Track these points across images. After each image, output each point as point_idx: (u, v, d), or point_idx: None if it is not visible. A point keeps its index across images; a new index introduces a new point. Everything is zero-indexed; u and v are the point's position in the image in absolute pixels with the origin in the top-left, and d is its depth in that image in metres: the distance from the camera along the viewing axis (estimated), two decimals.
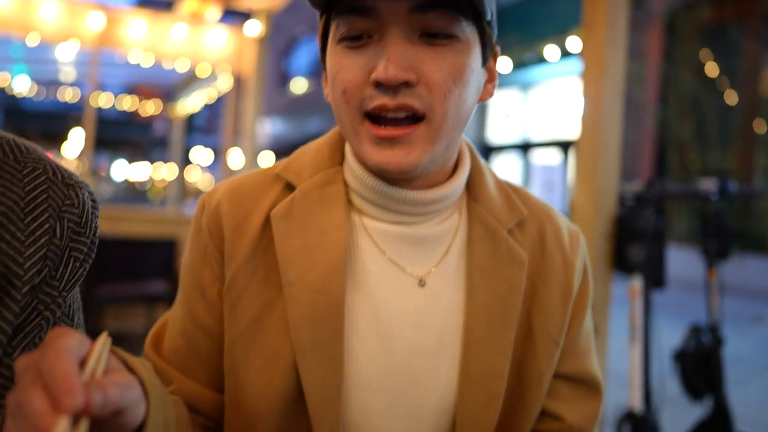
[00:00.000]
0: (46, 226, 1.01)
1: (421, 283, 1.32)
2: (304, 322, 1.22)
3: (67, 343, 0.76)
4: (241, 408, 1.27)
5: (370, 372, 1.27)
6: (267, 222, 1.30)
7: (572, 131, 16.76)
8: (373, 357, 1.28)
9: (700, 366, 4.23)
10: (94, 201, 1.13)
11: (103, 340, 0.82)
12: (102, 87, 12.76)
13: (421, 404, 1.30)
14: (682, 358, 4.35)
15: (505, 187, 1.46)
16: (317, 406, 1.21)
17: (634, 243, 3.71)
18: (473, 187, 1.40)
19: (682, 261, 12.20)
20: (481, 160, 1.45)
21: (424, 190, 1.30)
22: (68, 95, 12.83)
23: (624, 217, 3.77)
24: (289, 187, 1.34)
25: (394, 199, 1.29)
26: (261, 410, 1.24)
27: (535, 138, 19.98)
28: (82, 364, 0.77)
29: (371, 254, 1.32)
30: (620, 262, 3.83)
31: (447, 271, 1.35)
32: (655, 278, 3.97)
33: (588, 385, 1.48)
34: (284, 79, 32.87)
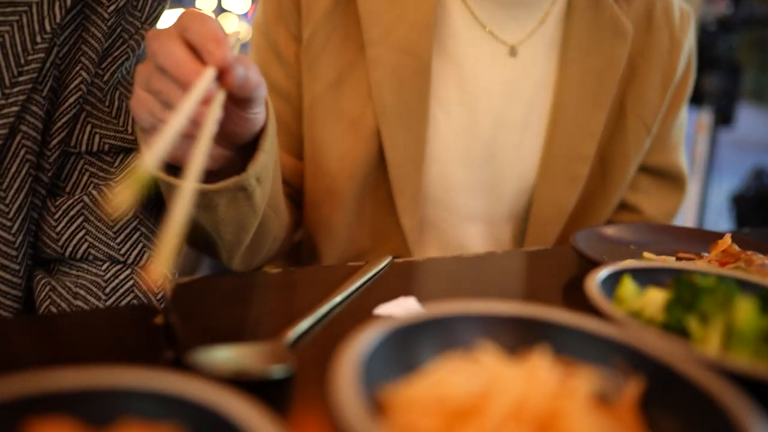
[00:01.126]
0: None
1: (513, 52, 1.25)
2: (388, 84, 1.18)
3: (207, 14, 0.75)
4: (321, 176, 1.27)
5: (452, 145, 1.24)
6: None
7: None
8: (456, 129, 1.24)
9: (758, 208, 4.16)
10: None
11: (237, 36, 0.81)
12: None
13: (500, 181, 1.28)
14: (740, 200, 4.27)
15: None
16: (399, 176, 1.20)
17: (708, 72, 3.48)
18: None
19: (747, 120, 11.60)
20: None
21: None
22: None
23: (701, 44, 3.50)
24: None
25: None
26: (341, 178, 1.24)
27: None
28: None
29: (461, 17, 1.23)
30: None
31: (542, 40, 1.26)
32: (724, 114, 3.78)
33: (673, 180, 1.44)
34: None
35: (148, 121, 0.78)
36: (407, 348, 0.65)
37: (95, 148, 0.99)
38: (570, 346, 0.64)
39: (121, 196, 0.53)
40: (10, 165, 0.89)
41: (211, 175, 0.87)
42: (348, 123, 1.25)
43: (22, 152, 0.90)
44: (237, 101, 0.80)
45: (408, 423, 0.53)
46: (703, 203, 4.06)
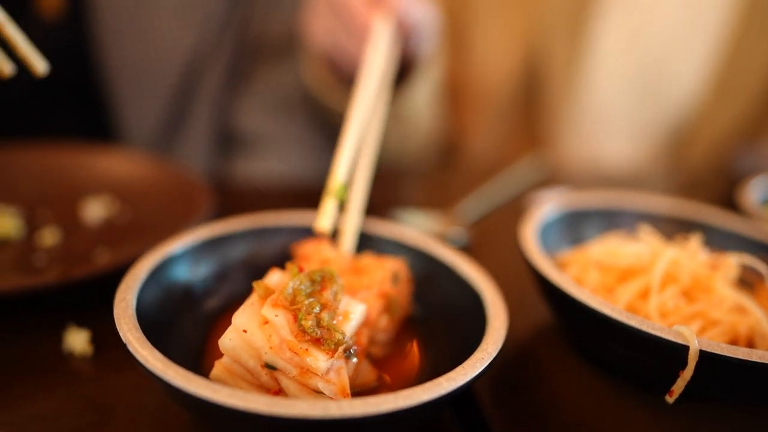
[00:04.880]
0: None
1: None
2: None
3: None
4: (474, 82, 1.39)
5: (616, 54, 1.28)
6: None
7: None
8: (621, 38, 1.27)
9: None
10: None
11: None
12: None
13: (659, 97, 1.30)
14: None
15: None
16: (560, 83, 1.28)
17: None
18: None
19: None
20: None
21: None
22: None
23: None
24: None
25: None
26: (494, 84, 1.34)
27: None
28: None
29: None
30: None
31: None
32: None
33: None
34: None
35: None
36: (574, 226, 0.80)
37: None
38: (720, 241, 0.76)
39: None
40: None
41: None
42: (506, 30, 1.31)
43: None
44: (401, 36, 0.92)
45: (582, 276, 0.69)
46: None
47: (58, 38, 1.25)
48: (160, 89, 1.32)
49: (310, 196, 0.83)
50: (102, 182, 1.03)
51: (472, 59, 1.39)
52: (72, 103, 1.43)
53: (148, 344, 0.51)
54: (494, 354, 0.55)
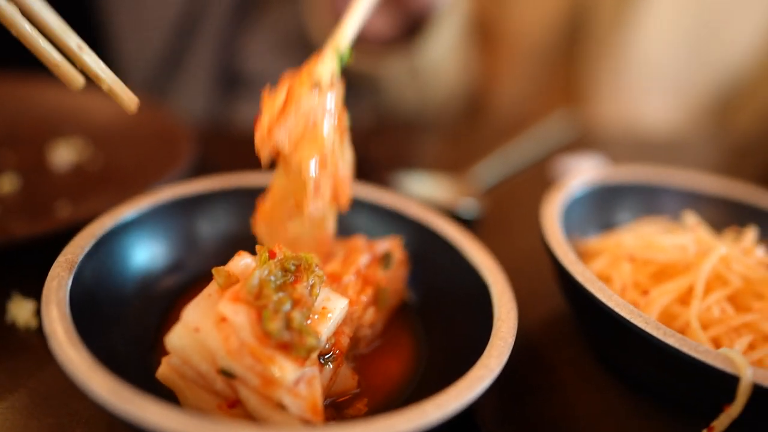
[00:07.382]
0: None
1: None
2: None
3: None
4: (511, 32, 1.25)
5: (669, 7, 1.15)
6: None
7: None
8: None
9: None
10: None
11: None
12: None
13: (714, 56, 1.17)
14: None
15: None
16: (604, 35, 1.15)
17: None
18: None
19: None
20: None
21: None
22: None
23: None
24: None
25: None
26: (533, 35, 1.22)
27: None
28: None
29: None
30: None
31: None
32: None
33: None
34: None
35: None
36: (607, 206, 0.69)
37: None
38: None
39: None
40: None
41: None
42: None
43: None
44: None
45: (610, 271, 0.58)
46: None
47: None
48: (161, 20, 1.20)
49: None
50: (75, 122, 0.92)
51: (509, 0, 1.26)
52: None
53: (75, 340, 0.42)
54: (497, 371, 0.45)
